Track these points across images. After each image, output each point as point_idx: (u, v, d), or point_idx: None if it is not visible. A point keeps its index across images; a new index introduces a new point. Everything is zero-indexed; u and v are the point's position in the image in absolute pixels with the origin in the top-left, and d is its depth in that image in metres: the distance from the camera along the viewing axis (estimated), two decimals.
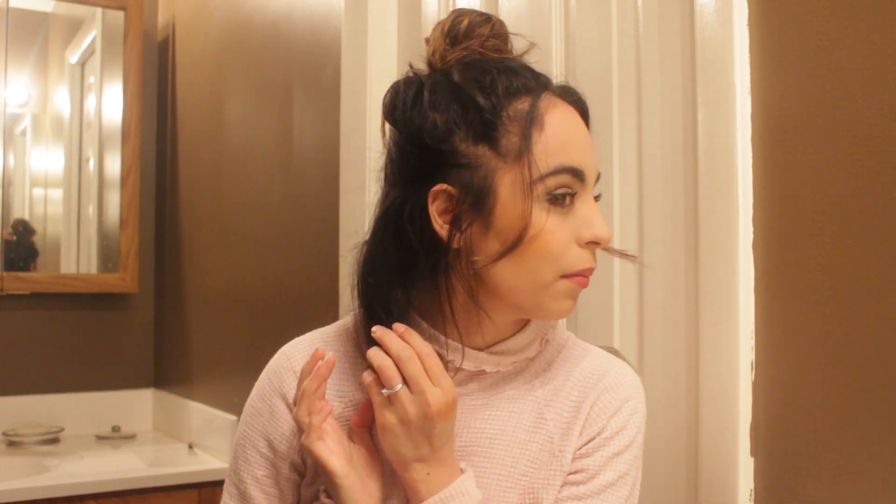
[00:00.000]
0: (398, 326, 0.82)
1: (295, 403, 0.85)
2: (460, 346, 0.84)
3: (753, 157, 0.99)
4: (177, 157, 2.70)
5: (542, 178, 0.79)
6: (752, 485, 0.98)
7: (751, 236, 0.99)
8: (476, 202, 0.79)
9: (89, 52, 2.70)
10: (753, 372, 0.98)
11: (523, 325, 0.88)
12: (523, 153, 0.78)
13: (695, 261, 1.05)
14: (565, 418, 0.86)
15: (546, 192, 0.79)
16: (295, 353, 0.92)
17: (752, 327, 0.98)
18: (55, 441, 2.44)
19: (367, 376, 0.82)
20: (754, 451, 0.98)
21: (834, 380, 0.90)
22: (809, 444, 0.92)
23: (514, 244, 0.78)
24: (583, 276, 0.82)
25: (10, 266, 2.54)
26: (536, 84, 0.82)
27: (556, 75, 0.89)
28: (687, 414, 1.06)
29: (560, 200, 0.79)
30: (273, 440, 0.89)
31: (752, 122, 0.99)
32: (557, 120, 0.81)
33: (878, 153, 0.87)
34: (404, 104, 0.82)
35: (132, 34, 2.68)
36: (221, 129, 2.39)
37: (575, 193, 0.80)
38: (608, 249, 0.93)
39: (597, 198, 0.84)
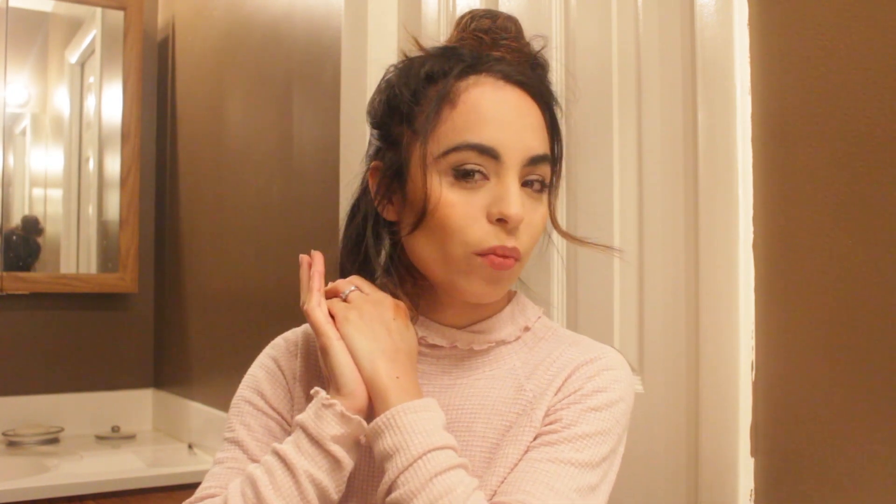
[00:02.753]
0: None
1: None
2: (428, 321, 0.90)
3: (753, 157, 0.99)
4: (177, 157, 2.70)
5: (445, 153, 0.82)
6: (752, 485, 0.98)
7: (751, 236, 0.99)
8: (396, 176, 0.87)
9: (89, 52, 2.70)
10: (753, 372, 0.98)
11: (501, 307, 0.92)
12: (428, 130, 0.83)
13: (695, 261, 1.05)
14: (542, 385, 0.86)
15: (450, 168, 0.82)
16: (287, 336, 0.98)
17: (752, 327, 0.98)
18: (55, 441, 2.44)
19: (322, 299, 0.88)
20: (754, 451, 0.98)
21: (834, 380, 0.90)
22: (809, 444, 0.92)
23: (421, 216, 0.83)
24: (496, 255, 0.82)
25: (10, 266, 2.54)
26: (470, 66, 0.85)
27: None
28: (687, 414, 1.06)
29: (465, 176, 0.82)
30: (265, 393, 0.93)
31: (752, 122, 0.99)
32: (475, 98, 0.83)
33: (878, 153, 0.87)
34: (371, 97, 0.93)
35: (132, 34, 2.68)
36: (221, 128, 2.39)
37: (483, 170, 0.82)
38: (582, 242, 0.96)
39: (530, 183, 0.84)
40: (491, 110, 0.83)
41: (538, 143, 0.84)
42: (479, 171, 0.82)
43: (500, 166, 0.82)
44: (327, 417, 0.80)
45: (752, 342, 0.98)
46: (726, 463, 0.99)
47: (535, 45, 0.91)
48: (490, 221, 0.82)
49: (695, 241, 1.05)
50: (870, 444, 0.86)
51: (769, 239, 0.97)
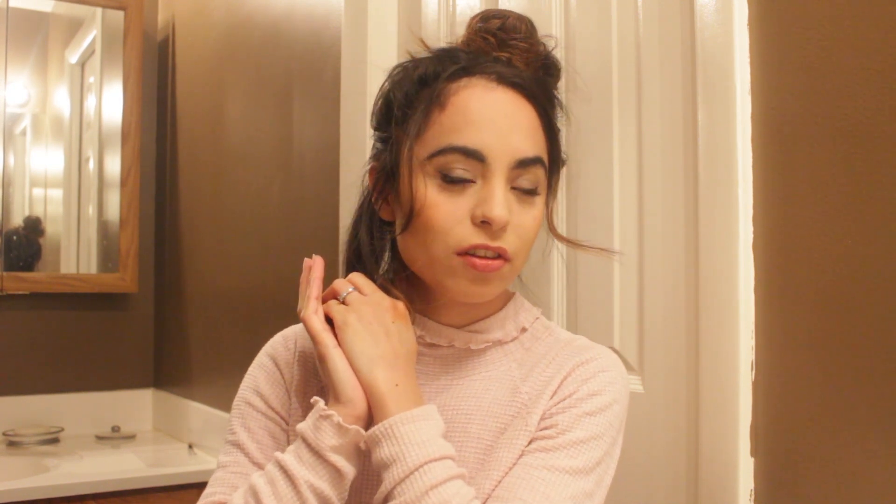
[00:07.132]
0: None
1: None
2: (426, 320, 0.91)
3: (753, 157, 0.99)
4: (177, 157, 2.70)
5: (432, 155, 0.83)
6: (752, 485, 0.98)
7: (751, 236, 0.99)
8: (389, 177, 0.88)
9: (89, 52, 2.70)
10: (753, 372, 0.98)
11: (499, 307, 0.92)
12: (419, 132, 0.84)
13: (695, 261, 1.05)
14: (538, 388, 0.86)
15: (436, 170, 0.83)
16: (286, 333, 0.98)
17: (752, 327, 0.98)
18: (55, 441, 2.44)
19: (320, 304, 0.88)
20: (754, 452, 0.98)
21: (834, 380, 0.90)
22: (809, 444, 0.92)
23: (409, 216, 0.84)
24: (476, 257, 0.82)
25: (11, 266, 2.54)
26: (464, 68, 0.85)
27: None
28: (687, 414, 1.06)
29: (451, 178, 0.82)
30: (265, 394, 0.93)
31: (752, 122, 0.99)
32: (464, 101, 0.83)
33: (877, 153, 0.87)
34: None
35: (132, 34, 2.68)
36: (221, 129, 2.39)
37: (469, 173, 0.82)
38: (580, 245, 0.97)
39: (521, 186, 0.84)
40: (478, 112, 0.83)
41: (528, 146, 0.84)
42: (465, 174, 0.82)
43: (486, 169, 0.82)
44: (325, 428, 0.79)
45: (752, 342, 0.98)
46: (726, 463, 0.99)
47: (547, 46, 0.91)
48: (474, 223, 0.82)
49: (695, 241, 1.05)
50: (869, 443, 0.87)
51: (769, 239, 0.97)
